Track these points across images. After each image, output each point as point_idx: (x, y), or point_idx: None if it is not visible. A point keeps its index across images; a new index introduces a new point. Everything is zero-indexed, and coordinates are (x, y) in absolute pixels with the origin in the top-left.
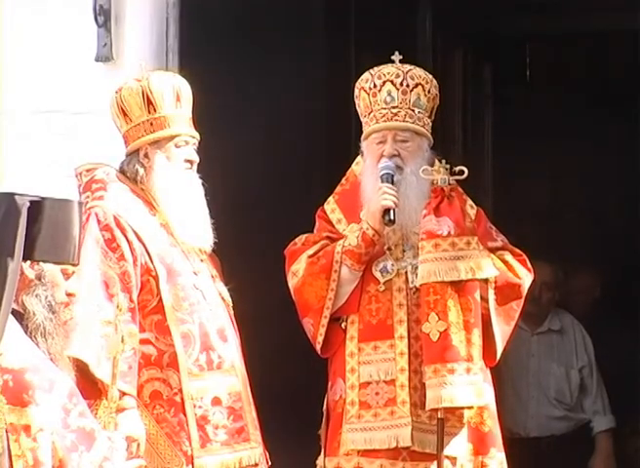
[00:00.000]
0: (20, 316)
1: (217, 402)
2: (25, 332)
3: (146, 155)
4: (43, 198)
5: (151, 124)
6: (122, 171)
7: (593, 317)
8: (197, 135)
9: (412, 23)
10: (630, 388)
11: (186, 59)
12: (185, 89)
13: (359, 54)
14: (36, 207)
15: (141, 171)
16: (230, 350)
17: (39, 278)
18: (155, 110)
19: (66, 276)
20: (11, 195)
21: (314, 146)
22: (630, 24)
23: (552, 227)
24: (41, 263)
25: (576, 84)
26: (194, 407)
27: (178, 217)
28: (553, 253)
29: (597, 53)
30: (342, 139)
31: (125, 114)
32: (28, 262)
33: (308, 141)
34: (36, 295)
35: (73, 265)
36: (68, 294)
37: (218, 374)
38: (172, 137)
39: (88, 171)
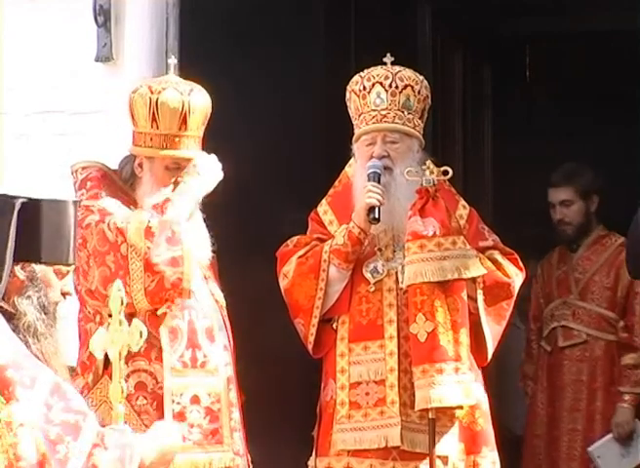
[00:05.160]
0: (11, 316)
1: (195, 400)
2: (15, 332)
3: (140, 165)
4: (38, 199)
5: (151, 139)
6: (119, 168)
7: None
8: (196, 156)
9: (412, 24)
10: None
11: (186, 59)
12: (198, 107)
13: (359, 54)
14: (32, 208)
15: (133, 177)
16: (217, 351)
17: (31, 279)
18: (157, 127)
19: (60, 275)
20: (3, 197)
21: (314, 146)
22: (630, 24)
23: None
24: (32, 264)
25: (576, 84)
26: (173, 402)
27: None
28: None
29: (597, 53)
30: (342, 140)
31: (133, 117)
32: (20, 264)
33: (308, 142)
34: (28, 297)
35: (67, 265)
36: (64, 293)
37: (201, 373)
38: (165, 159)
39: (84, 169)
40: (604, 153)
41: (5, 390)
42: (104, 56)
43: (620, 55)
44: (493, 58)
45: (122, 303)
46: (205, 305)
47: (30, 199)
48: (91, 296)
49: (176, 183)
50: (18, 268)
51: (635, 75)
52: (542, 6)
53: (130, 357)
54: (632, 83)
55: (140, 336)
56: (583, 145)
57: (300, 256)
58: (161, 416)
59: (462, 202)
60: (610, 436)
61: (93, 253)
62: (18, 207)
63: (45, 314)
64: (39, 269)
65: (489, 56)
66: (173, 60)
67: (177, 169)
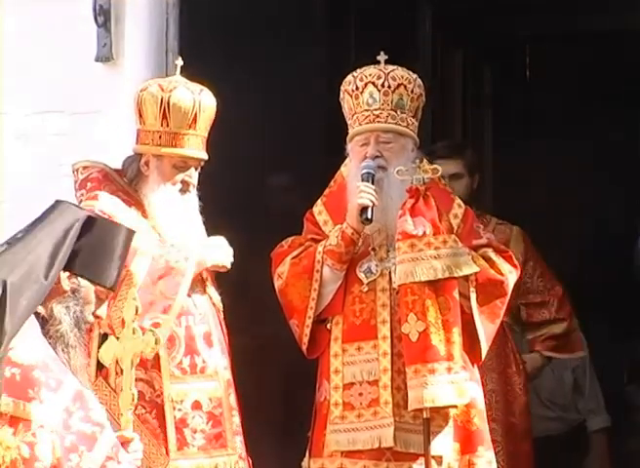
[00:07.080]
0: (45, 321)
1: (197, 406)
2: (45, 337)
3: (147, 163)
4: (104, 219)
5: (160, 137)
6: (123, 167)
7: (589, 316)
8: (203, 156)
9: (412, 24)
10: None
11: (186, 59)
12: (207, 107)
13: (359, 54)
14: (94, 224)
15: (138, 176)
16: (215, 355)
17: (73, 292)
18: (168, 125)
19: (99, 300)
20: (71, 205)
21: (314, 146)
22: (631, 24)
23: (551, 227)
24: (79, 278)
25: (576, 84)
26: (174, 409)
27: (168, 236)
28: (552, 252)
29: (597, 53)
30: (342, 140)
31: (140, 115)
32: (67, 274)
33: (308, 141)
34: (66, 307)
35: (109, 289)
36: (95, 316)
37: (200, 379)
38: (173, 157)
39: (85, 168)
40: (604, 153)
41: (30, 389)
42: (104, 56)
43: (620, 55)
44: (493, 58)
45: (136, 312)
46: (202, 310)
47: (95, 215)
48: None
49: (183, 182)
50: (64, 277)
51: (636, 75)
52: (543, 6)
53: None
54: (633, 83)
55: (156, 343)
56: (583, 145)
57: (293, 257)
58: (160, 424)
59: (458, 201)
60: None
61: None
62: (83, 219)
63: (78, 329)
64: (84, 284)
65: (489, 56)
66: (179, 62)
67: (184, 167)
